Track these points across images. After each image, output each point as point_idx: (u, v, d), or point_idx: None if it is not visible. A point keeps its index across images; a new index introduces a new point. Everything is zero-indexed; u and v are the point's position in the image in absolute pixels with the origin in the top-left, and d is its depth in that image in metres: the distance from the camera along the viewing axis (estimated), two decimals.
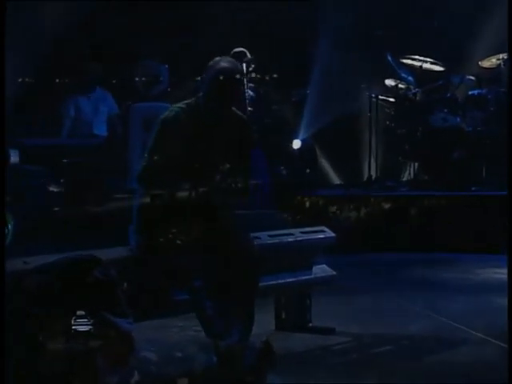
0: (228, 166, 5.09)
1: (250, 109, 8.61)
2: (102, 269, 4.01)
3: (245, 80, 8.39)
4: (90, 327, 3.73)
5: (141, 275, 4.94)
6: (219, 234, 5.08)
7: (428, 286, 7.71)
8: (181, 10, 11.11)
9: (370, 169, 11.43)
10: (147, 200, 5.03)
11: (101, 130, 10.06)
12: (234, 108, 5.35)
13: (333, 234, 6.15)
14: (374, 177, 11.40)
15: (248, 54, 8.66)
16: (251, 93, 8.74)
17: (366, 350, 5.75)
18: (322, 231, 6.15)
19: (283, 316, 6.20)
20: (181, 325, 5.91)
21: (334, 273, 6.17)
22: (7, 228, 9.14)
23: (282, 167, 10.42)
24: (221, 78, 5.14)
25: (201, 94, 5.27)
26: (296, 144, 10.88)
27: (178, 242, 4.92)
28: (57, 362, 3.65)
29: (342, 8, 11.56)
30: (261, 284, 5.65)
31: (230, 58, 5.40)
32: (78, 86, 10.34)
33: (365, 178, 11.51)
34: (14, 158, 10.32)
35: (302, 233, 6.02)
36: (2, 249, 4.66)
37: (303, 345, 5.83)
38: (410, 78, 11.35)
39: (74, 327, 3.70)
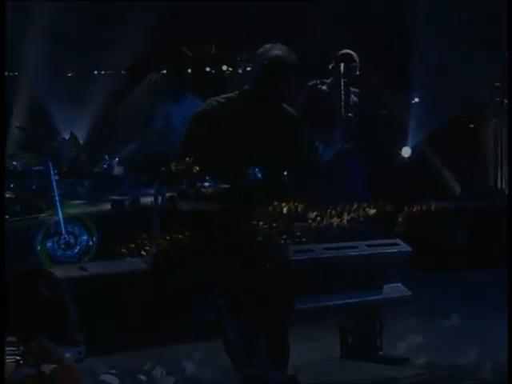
0: (270, 167, 4.59)
1: (350, 114, 7.83)
2: (49, 284, 3.29)
3: (342, 82, 7.64)
4: (17, 358, 3.02)
5: (158, 291, 4.26)
6: (249, 244, 4.36)
7: None
8: (284, 10, 10.43)
9: (497, 180, 10.47)
10: (167, 201, 4.37)
11: None
12: (284, 104, 4.87)
13: (408, 249, 5.32)
14: (500, 188, 10.43)
15: (355, 58, 7.82)
16: (355, 98, 7.95)
17: None
18: (395, 244, 5.33)
19: (349, 341, 5.47)
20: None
21: (410, 293, 5.34)
22: (91, 239, 8.75)
23: (389, 176, 9.60)
24: (272, 66, 4.64)
25: (246, 87, 4.82)
26: (406, 152, 10.13)
27: (200, 250, 4.23)
28: None
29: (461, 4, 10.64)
30: (320, 304, 4.99)
31: (282, 46, 4.81)
32: (168, 94, 9.88)
33: (489, 190, 10.59)
34: (117, 168, 10.04)
35: (368, 246, 5.22)
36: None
37: (371, 376, 5.15)
38: None
39: None
